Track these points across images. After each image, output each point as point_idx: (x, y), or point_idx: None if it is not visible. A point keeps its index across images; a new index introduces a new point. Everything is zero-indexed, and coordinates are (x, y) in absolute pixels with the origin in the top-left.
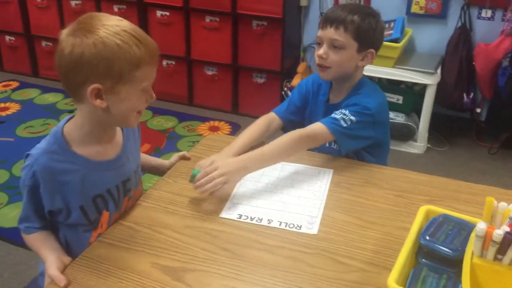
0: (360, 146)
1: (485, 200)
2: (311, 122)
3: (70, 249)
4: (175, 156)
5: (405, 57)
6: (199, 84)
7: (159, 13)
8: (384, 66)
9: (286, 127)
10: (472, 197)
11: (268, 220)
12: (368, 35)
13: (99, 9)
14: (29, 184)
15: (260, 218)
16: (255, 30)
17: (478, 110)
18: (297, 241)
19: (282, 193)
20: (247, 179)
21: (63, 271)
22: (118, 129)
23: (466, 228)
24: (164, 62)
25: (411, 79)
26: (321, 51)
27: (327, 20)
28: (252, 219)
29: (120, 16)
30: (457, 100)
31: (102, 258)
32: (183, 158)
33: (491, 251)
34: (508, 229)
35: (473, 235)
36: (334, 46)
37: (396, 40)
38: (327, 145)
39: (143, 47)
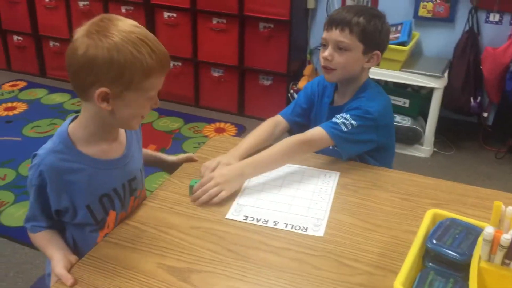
0: (362, 151)
1: (493, 204)
2: (316, 124)
3: (78, 250)
4: (181, 157)
5: (412, 61)
6: (205, 85)
7: (166, 14)
8: (391, 69)
9: (292, 130)
10: (479, 201)
11: (274, 222)
12: (374, 36)
13: (106, 10)
14: (36, 183)
15: (266, 220)
16: (262, 32)
17: (485, 114)
18: (303, 243)
19: (288, 195)
20: (253, 181)
21: (69, 270)
22: (121, 129)
23: (473, 232)
24: (171, 63)
25: (418, 82)
26: (326, 53)
27: (332, 22)
28: (258, 220)
29: (127, 18)
30: (464, 104)
31: (108, 257)
32: (190, 160)
33: (499, 255)
34: None
35: (480, 239)
36: (340, 48)
37: (403, 44)
38: (330, 147)
39: (155, 57)
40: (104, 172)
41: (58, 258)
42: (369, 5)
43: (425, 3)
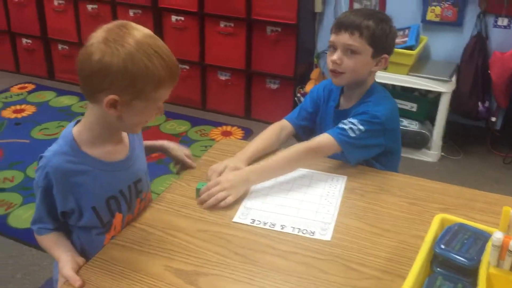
0: (370, 156)
1: (501, 209)
2: (321, 128)
3: (85, 253)
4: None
5: (419, 65)
6: (212, 89)
7: (174, 18)
8: (399, 73)
9: (298, 134)
10: (487, 206)
11: (281, 225)
12: (382, 40)
13: (114, 14)
14: (42, 185)
15: (273, 223)
16: (269, 36)
17: (493, 119)
18: (310, 247)
19: (296, 199)
20: (260, 184)
21: (77, 271)
22: None
23: (482, 238)
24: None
25: (425, 86)
26: (335, 56)
27: (341, 25)
28: (265, 224)
29: (135, 21)
30: (472, 108)
31: (115, 260)
32: (189, 167)
33: (508, 261)
34: None
35: (489, 244)
36: (349, 51)
37: (410, 48)
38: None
39: (167, 69)
40: (109, 174)
41: (66, 260)
42: (377, 9)
43: (433, 7)
